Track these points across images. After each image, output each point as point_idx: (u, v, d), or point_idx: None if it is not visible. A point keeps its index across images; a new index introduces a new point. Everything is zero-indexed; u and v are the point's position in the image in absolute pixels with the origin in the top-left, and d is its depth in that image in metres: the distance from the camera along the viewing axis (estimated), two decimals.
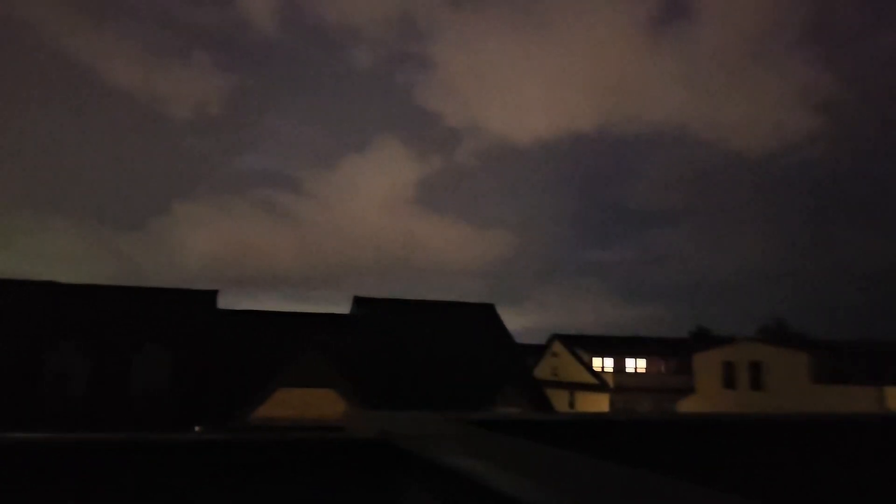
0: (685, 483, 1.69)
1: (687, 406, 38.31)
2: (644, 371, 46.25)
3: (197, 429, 23.87)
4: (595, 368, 45.08)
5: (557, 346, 48.15)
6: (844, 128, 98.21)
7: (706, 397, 37.20)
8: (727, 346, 39.71)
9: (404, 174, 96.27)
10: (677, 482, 1.70)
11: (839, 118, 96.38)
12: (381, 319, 33.28)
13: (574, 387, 44.54)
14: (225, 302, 33.34)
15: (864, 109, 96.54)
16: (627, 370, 45.84)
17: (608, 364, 45.52)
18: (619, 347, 46.93)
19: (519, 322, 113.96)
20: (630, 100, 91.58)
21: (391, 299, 35.83)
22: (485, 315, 36.24)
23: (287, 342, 28.68)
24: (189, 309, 30.79)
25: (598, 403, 42.16)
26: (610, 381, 43.61)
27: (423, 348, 31.57)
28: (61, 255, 77.37)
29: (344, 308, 36.55)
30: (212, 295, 32.60)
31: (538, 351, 48.81)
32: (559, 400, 41.27)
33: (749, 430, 3.81)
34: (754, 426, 3.93)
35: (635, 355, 46.45)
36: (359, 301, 35.54)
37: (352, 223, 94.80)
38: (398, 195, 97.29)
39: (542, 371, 46.42)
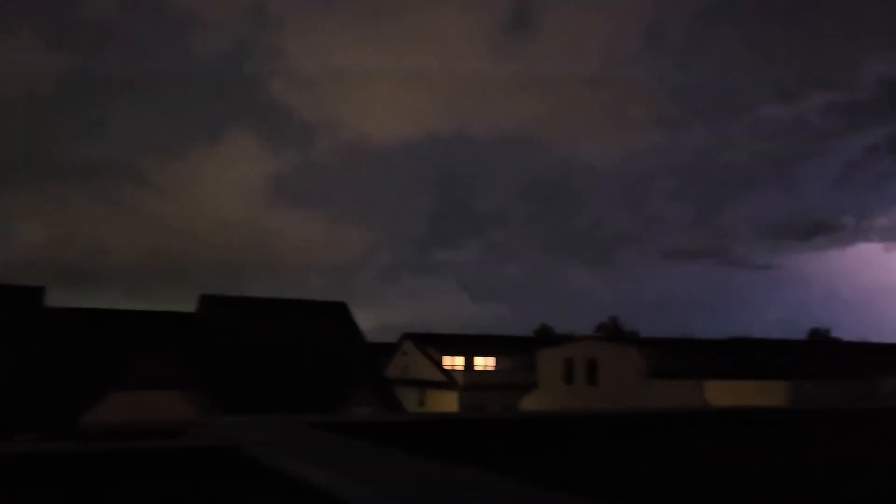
0: (528, 485, 1.77)
1: (530, 400, 40.04)
2: (493, 368, 47.80)
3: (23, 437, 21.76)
4: (445, 366, 45.97)
5: (408, 345, 48.63)
6: (678, 140, 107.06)
7: (547, 392, 39.09)
8: (567, 344, 42.17)
9: (257, 168, 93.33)
10: (522, 485, 1.77)
11: (674, 131, 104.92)
12: (228, 318, 32.01)
13: (424, 385, 45.20)
14: (54, 299, 30.60)
15: (695, 123, 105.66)
16: (476, 368, 47.16)
17: (458, 362, 46.58)
18: (468, 346, 48.17)
19: (371, 320, 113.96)
20: (483, 104, 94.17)
21: (240, 297, 34.58)
22: (337, 313, 35.84)
23: (125, 342, 26.95)
24: (10, 307, 28.05)
25: (448, 401, 43.05)
26: (460, 379, 44.67)
27: (273, 348, 30.70)
28: None
29: (189, 306, 34.76)
30: (37, 291, 29.91)
31: (390, 350, 49.03)
32: (410, 398, 41.71)
33: (593, 426, 4.06)
34: (597, 422, 4.20)
35: (484, 353, 47.89)
36: (205, 299, 33.94)
37: (199, 217, 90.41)
38: (251, 189, 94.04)
39: (393, 370, 46.69)
